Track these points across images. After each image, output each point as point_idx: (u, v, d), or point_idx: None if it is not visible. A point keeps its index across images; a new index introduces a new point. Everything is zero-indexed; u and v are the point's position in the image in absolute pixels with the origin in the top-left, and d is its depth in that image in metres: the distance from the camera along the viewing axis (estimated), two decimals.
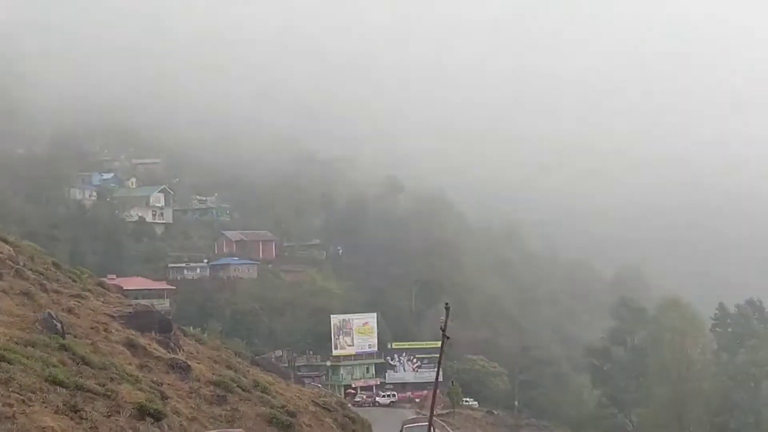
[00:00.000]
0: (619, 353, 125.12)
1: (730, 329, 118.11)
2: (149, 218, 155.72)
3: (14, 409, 27.18)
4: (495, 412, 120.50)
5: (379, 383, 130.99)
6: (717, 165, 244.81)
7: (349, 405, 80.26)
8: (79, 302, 47.92)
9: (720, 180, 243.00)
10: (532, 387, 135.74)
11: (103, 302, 51.73)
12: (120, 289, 69.07)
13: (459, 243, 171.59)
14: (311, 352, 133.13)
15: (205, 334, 76.00)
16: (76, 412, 29.03)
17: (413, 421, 44.23)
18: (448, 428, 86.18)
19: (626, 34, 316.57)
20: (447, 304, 34.23)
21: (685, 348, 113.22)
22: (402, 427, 39.67)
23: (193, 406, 40.97)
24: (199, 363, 49.74)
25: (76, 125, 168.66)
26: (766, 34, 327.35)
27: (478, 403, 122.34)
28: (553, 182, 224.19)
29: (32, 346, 34.90)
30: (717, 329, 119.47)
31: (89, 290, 53.81)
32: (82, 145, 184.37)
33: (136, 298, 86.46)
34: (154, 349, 45.81)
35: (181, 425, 36.48)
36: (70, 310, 44.92)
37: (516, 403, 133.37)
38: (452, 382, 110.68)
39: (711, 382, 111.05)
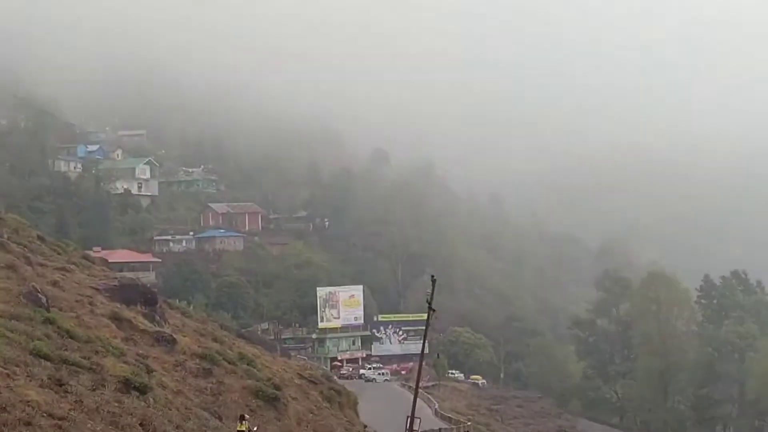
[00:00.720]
0: (604, 325, 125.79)
1: (715, 301, 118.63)
2: (135, 190, 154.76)
3: None
4: (480, 384, 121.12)
5: (365, 356, 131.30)
6: (706, 137, 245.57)
7: (335, 378, 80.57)
8: (63, 275, 47.76)
9: (708, 152, 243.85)
10: (518, 358, 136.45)
11: (88, 275, 51.58)
12: (105, 261, 68.90)
13: (445, 215, 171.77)
14: (297, 325, 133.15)
15: (191, 307, 76.02)
16: (60, 386, 29.02)
17: None
18: (434, 400, 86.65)
19: None
20: (433, 276, 34.25)
21: (670, 320, 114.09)
22: None
23: (179, 379, 40.99)
24: (184, 336, 49.72)
25: (60, 96, 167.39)
26: None
27: (464, 375, 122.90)
28: (538, 155, 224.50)
29: (16, 320, 34.79)
30: (702, 301, 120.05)
31: (74, 263, 53.64)
32: (67, 117, 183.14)
33: (121, 271, 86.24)
34: (140, 322, 45.75)
35: (166, 398, 36.51)
36: (54, 283, 44.77)
37: (501, 374, 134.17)
38: (438, 354, 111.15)
39: (696, 354, 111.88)
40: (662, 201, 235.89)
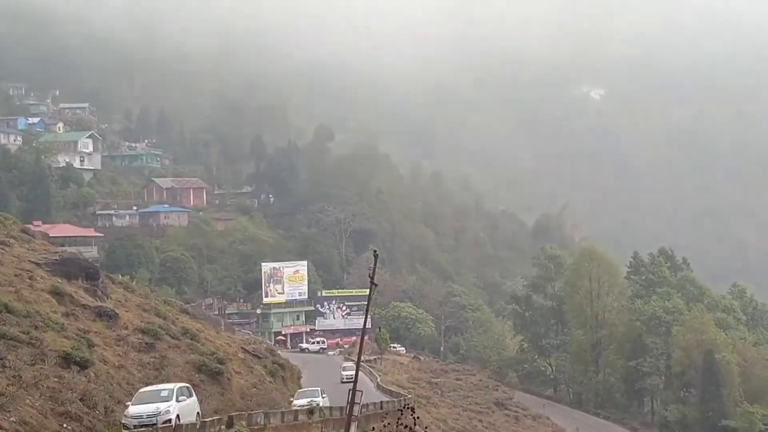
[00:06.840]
0: (540, 300, 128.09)
1: (643, 277, 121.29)
2: (77, 164, 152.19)
3: None
4: (421, 358, 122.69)
5: (308, 330, 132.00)
6: (635, 112, 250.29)
7: (279, 352, 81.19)
8: (2, 249, 47.58)
9: (636, 129, 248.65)
10: (458, 332, 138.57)
11: (28, 249, 51.37)
12: (46, 236, 68.58)
13: (389, 192, 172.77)
14: (241, 300, 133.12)
15: (134, 282, 75.70)
16: None
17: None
18: (375, 373, 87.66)
19: None
20: (375, 251, 34.90)
21: (601, 295, 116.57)
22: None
23: (121, 353, 41.21)
24: (127, 311, 49.88)
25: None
26: None
27: (405, 349, 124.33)
28: (479, 134, 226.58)
29: None
30: (632, 277, 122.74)
31: (13, 237, 53.34)
32: (7, 88, 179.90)
33: (63, 246, 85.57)
34: (81, 296, 45.81)
35: (108, 373, 36.77)
36: None
37: (441, 348, 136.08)
38: (379, 328, 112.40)
39: (625, 328, 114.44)
40: (595, 179, 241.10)
